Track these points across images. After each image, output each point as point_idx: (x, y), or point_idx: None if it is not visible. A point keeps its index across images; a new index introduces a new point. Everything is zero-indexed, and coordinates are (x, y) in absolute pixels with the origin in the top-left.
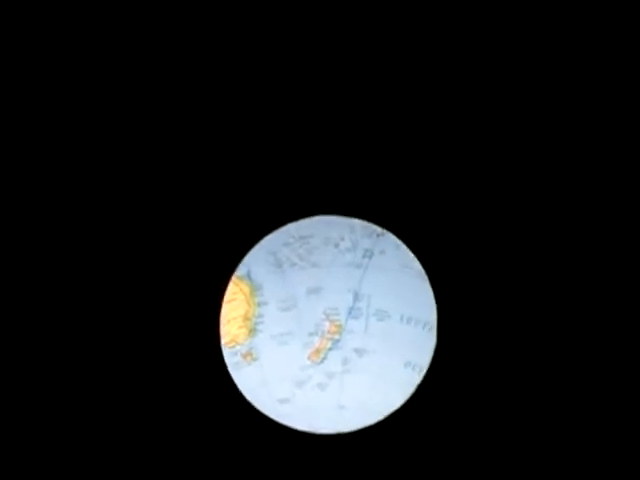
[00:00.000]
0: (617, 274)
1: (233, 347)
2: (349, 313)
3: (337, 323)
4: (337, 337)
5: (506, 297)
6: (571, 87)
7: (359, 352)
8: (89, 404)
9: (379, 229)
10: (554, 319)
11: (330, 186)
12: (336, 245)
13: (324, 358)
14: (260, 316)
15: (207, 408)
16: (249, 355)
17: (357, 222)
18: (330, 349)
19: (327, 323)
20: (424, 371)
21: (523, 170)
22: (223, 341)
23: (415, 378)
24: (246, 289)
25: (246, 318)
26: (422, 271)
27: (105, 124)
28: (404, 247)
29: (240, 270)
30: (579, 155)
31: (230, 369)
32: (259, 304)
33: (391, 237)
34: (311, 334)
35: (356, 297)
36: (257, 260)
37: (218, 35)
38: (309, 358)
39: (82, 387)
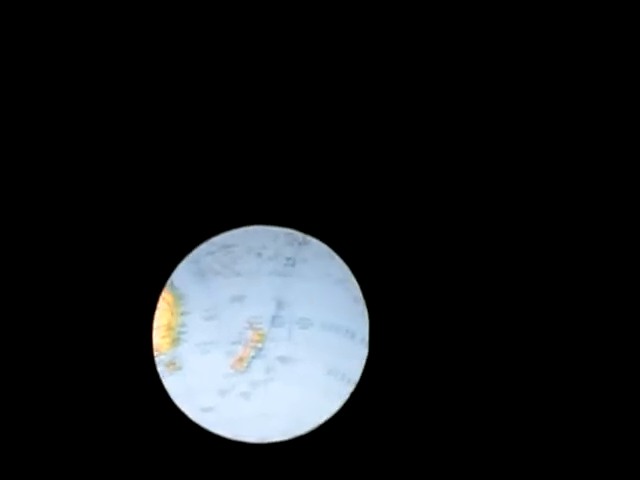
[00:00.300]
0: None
1: (157, 356)
2: (272, 321)
3: (260, 332)
4: (260, 345)
5: (431, 301)
6: (567, 89)
7: (283, 360)
8: (17, 409)
9: (301, 236)
10: (480, 320)
11: (254, 196)
12: (259, 254)
13: (248, 367)
14: (183, 325)
15: (138, 415)
16: (172, 364)
17: (279, 230)
18: (254, 357)
19: (250, 332)
20: (347, 378)
21: (447, 163)
22: None
23: (338, 385)
24: (169, 298)
25: (169, 327)
26: (342, 279)
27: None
28: (326, 255)
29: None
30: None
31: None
32: (182, 313)
33: (313, 245)
34: (234, 343)
35: (279, 305)
36: (180, 269)
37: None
38: (232, 367)
39: (10, 392)
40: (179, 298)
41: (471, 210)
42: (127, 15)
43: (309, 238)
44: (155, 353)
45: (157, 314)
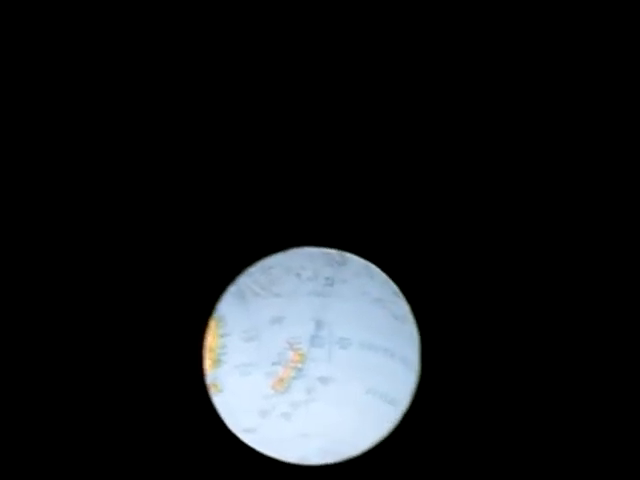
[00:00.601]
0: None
1: None
2: (312, 341)
3: (300, 352)
4: (300, 366)
5: (480, 318)
6: (569, 91)
7: (323, 380)
8: (69, 425)
9: (339, 255)
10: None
11: (296, 218)
12: (297, 274)
13: (288, 387)
14: (223, 347)
15: (188, 434)
16: (214, 386)
17: (317, 250)
18: (294, 378)
19: (290, 352)
20: (386, 398)
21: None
22: None
23: (378, 405)
24: (210, 321)
25: (210, 349)
26: (380, 298)
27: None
28: (364, 274)
29: None
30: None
31: None
32: (222, 335)
33: (351, 265)
34: (274, 363)
35: (318, 325)
36: None
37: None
38: (273, 387)
39: (61, 409)
40: (219, 320)
41: (519, 223)
42: (132, 15)
43: (347, 256)
44: None
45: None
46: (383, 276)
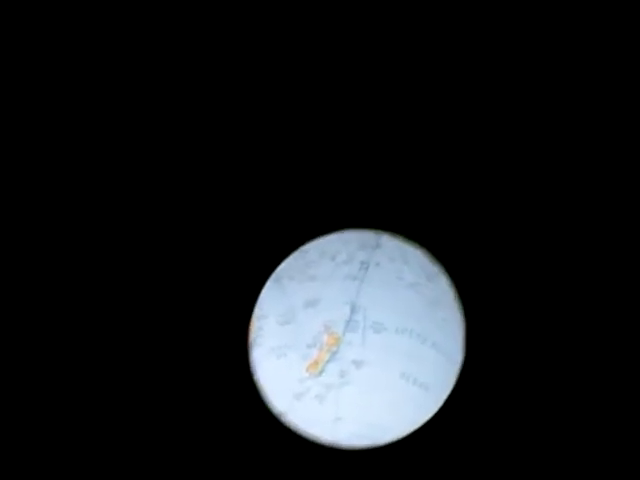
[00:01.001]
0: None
1: None
2: (346, 325)
3: (335, 335)
4: (335, 349)
5: (514, 308)
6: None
7: (357, 364)
8: (114, 410)
9: (375, 239)
10: (573, 336)
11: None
12: (332, 258)
13: (322, 370)
14: (259, 329)
15: (228, 410)
16: None
17: (350, 234)
18: (328, 361)
19: (325, 335)
20: (419, 382)
21: (540, 176)
22: None
23: (410, 390)
24: None
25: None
26: (414, 283)
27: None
28: (399, 258)
29: None
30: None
31: None
32: (258, 317)
33: (386, 249)
34: (309, 346)
35: (353, 309)
36: None
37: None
38: (307, 370)
39: (111, 394)
40: (255, 303)
41: (571, 211)
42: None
43: (382, 239)
44: None
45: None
46: (418, 260)
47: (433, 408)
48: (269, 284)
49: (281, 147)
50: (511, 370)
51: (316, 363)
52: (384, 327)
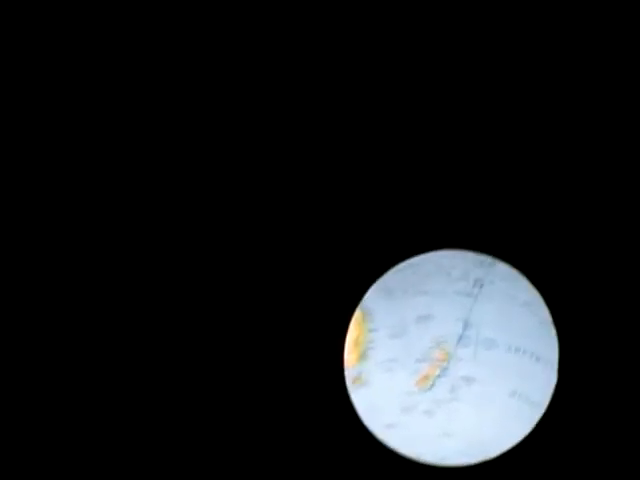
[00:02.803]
0: None
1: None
2: (458, 341)
3: (446, 350)
4: (445, 364)
5: (622, 325)
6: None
7: (467, 380)
8: (206, 424)
9: (489, 258)
10: None
11: (441, 221)
12: (448, 273)
13: (432, 385)
14: (370, 341)
15: (323, 428)
16: (358, 379)
17: (468, 253)
18: (438, 376)
19: (436, 350)
20: (531, 401)
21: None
22: None
23: (522, 408)
24: (357, 315)
25: (357, 343)
26: (529, 301)
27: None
28: (513, 277)
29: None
30: None
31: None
32: (370, 330)
33: (501, 267)
34: (419, 361)
35: (466, 325)
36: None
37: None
38: (417, 384)
39: (198, 409)
40: (367, 314)
41: None
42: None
43: (497, 261)
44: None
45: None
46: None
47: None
48: (381, 296)
49: (404, 161)
50: (612, 385)
51: (426, 378)
52: (496, 344)
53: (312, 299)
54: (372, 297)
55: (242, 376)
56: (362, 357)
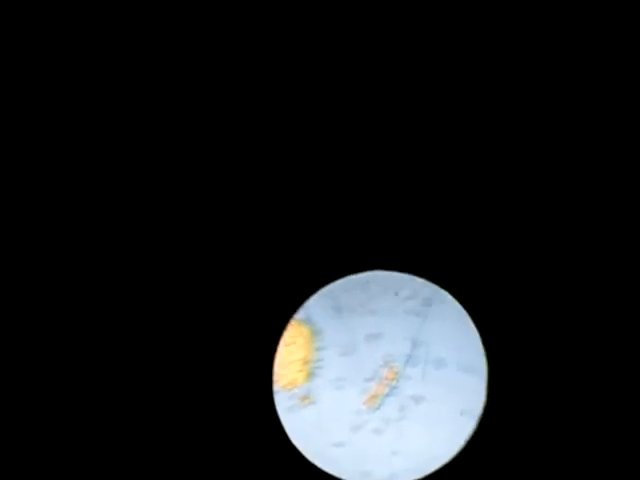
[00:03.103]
0: None
1: (291, 390)
2: (407, 360)
3: (395, 370)
4: (394, 384)
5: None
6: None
7: (416, 399)
8: (134, 439)
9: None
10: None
11: (389, 242)
12: (396, 293)
13: (381, 404)
14: (319, 360)
15: (255, 452)
16: (306, 398)
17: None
18: (387, 395)
19: (385, 369)
20: (477, 419)
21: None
22: (280, 384)
23: (472, 427)
24: (306, 333)
25: (305, 362)
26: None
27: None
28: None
29: (300, 314)
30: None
31: (286, 412)
32: (318, 348)
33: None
34: (368, 379)
35: (414, 345)
36: (317, 305)
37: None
38: (365, 403)
39: (130, 424)
40: (316, 333)
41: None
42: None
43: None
44: (289, 387)
45: (293, 348)
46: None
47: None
48: (330, 314)
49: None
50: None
51: (374, 397)
52: (445, 363)
53: (244, 310)
54: (321, 315)
55: (167, 386)
56: (310, 376)
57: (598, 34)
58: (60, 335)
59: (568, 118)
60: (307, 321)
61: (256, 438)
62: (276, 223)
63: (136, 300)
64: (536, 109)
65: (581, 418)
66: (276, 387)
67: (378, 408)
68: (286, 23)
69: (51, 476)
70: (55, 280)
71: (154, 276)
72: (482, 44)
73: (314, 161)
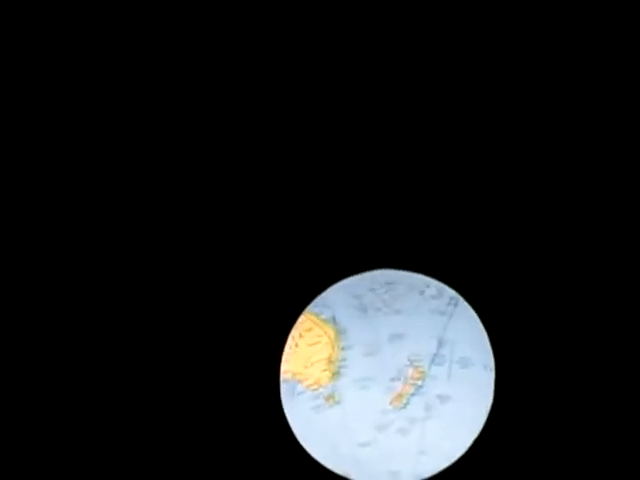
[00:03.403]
0: None
1: (316, 389)
2: (432, 360)
3: (420, 369)
4: (420, 383)
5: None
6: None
7: (442, 399)
8: (138, 439)
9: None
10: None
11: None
12: (421, 292)
13: (406, 403)
14: (344, 359)
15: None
16: (331, 398)
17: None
18: (412, 395)
19: (410, 369)
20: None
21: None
22: (305, 384)
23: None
24: (331, 332)
25: (330, 361)
26: None
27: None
28: None
29: (325, 313)
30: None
31: (311, 411)
32: (343, 348)
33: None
34: (393, 379)
35: (440, 344)
36: (342, 304)
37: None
38: (391, 403)
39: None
40: (341, 332)
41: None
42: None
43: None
44: (315, 386)
45: (317, 348)
46: None
47: None
48: (355, 314)
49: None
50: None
51: (400, 396)
52: (472, 362)
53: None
54: (346, 315)
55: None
56: (335, 375)
57: (598, 34)
58: (67, 334)
59: (575, 115)
60: (332, 321)
61: (259, 430)
62: (293, 218)
63: (142, 287)
64: (545, 106)
65: (591, 415)
66: (301, 387)
67: (404, 408)
68: (286, 22)
69: (65, 476)
70: (67, 281)
71: (163, 266)
72: (482, 43)
73: (330, 157)
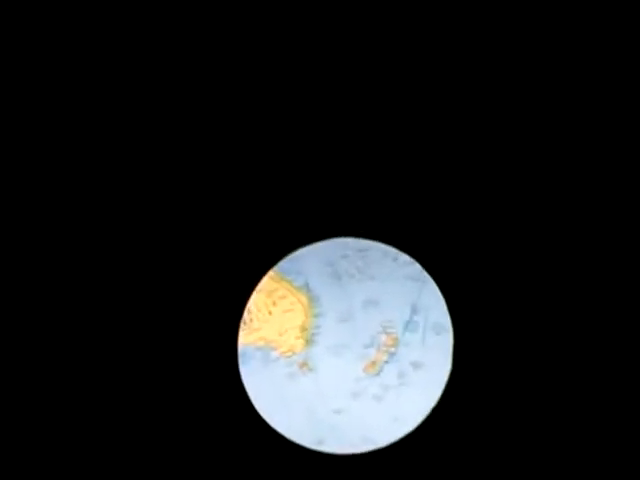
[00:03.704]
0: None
1: (290, 357)
2: (406, 326)
3: (393, 336)
4: (393, 350)
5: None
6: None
7: (415, 365)
8: (106, 413)
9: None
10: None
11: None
12: (395, 259)
13: (380, 370)
14: (317, 327)
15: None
16: (305, 365)
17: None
18: (386, 362)
19: (384, 336)
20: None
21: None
22: (279, 351)
23: None
24: (304, 300)
25: (303, 328)
26: None
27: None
28: None
29: (298, 281)
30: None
31: (285, 378)
32: (316, 315)
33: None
34: (367, 346)
35: (414, 310)
36: (316, 271)
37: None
38: (365, 370)
39: (103, 397)
40: (314, 300)
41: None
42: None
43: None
44: (288, 353)
45: (291, 315)
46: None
47: None
48: (328, 281)
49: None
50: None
51: (373, 363)
52: (445, 329)
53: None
54: (319, 282)
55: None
56: (309, 343)
57: (598, 34)
58: (45, 326)
59: (567, 111)
60: (305, 288)
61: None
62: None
63: (105, 252)
64: (538, 101)
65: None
66: (275, 354)
67: (377, 374)
68: (286, 22)
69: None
70: (35, 272)
71: (129, 222)
72: (482, 43)
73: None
